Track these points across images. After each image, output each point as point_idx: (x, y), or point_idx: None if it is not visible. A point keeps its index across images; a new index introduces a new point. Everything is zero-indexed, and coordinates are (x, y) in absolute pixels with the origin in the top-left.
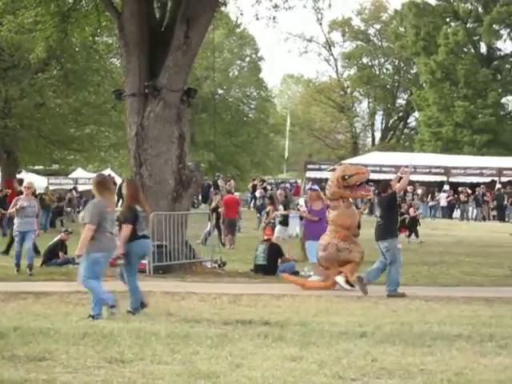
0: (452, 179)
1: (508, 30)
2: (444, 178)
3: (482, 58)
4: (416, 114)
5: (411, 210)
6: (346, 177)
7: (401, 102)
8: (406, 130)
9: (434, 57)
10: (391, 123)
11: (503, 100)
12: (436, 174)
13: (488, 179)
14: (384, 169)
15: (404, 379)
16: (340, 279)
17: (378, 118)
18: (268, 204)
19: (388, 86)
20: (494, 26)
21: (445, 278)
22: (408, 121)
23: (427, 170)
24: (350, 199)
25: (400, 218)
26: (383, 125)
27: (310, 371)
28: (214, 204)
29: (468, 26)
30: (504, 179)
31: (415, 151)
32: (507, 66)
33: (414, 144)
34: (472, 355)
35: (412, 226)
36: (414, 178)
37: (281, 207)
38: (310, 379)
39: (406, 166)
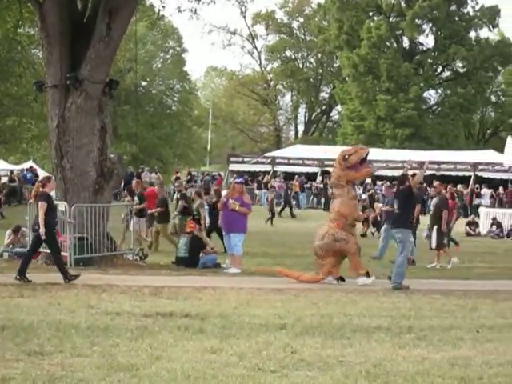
0: (376, 173)
1: (430, 24)
2: None
3: (405, 52)
4: (339, 107)
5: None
6: (346, 156)
7: (324, 95)
8: (328, 124)
9: (356, 51)
10: (314, 116)
11: (425, 94)
12: None
13: (410, 173)
14: (307, 162)
15: (323, 371)
16: (363, 280)
17: (301, 111)
18: (127, 195)
19: (311, 80)
20: (416, 20)
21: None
22: (331, 114)
23: None
24: (353, 191)
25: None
26: (306, 118)
27: (229, 363)
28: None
29: (391, 20)
30: (425, 173)
31: (338, 144)
32: (429, 60)
33: (336, 137)
34: (391, 347)
35: (376, 220)
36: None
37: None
38: (230, 371)
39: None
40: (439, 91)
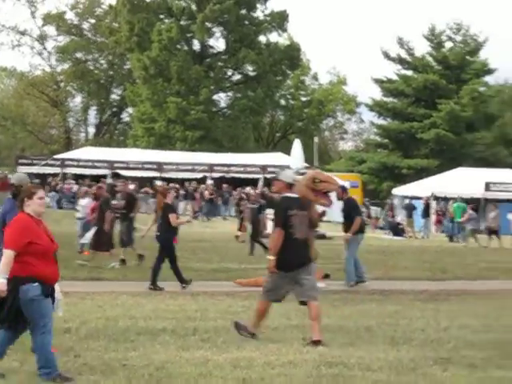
0: (164, 175)
1: (221, 28)
2: (157, 174)
3: (195, 55)
4: (130, 109)
5: None
6: (317, 180)
7: (115, 97)
8: (119, 126)
9: (147, 53)
10: (105, 118)
11: (215, 97)
12: (148, 169)
13: (200, 175)
14: (97, 164)
15: (105, 375)
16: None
17: (92, 113)
18: None
19: (102, 81)
20: (206, 23)
21: None
22: (122, 116)
23: (140, 166)
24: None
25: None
26: (97, 120)
27: (10, 370)
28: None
29: (181, 23)
30: (215, 175)
31: (128, 146)
32: (219, 63)
33: (127, 139)
34: (175, 349)
35: None
36: (127, 173)
37: None
38: (10, 378)
39: None
40: (229, 94)
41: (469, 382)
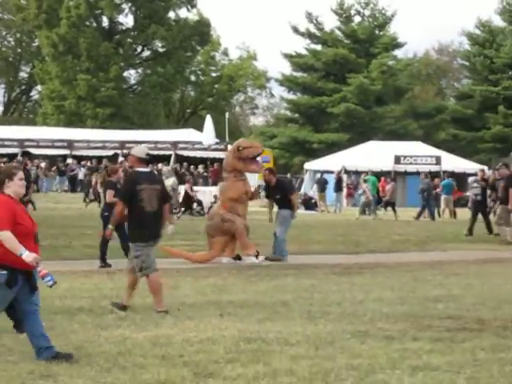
0: (75, 152)
1: (130, 4)
2: (67, 152)
3: (104, 31)
4: (39, 87)
5: (187, 186)
6: (240, 148)
7: (23, 75)
8: (29, 104)
9: (56, 30)
10: (14, 97)
11: (125, 74)
12: (59, 147)
13: (111, 152)
14: (7, 143)
15: (24, 356)
16: (249, 259)
17: (0, 91)
18: None
19: (10, 59)
20: (115, 0)
21: (67, 252)
22: (31, 94)
23: (50, 144)
24: (243, 175)
25: None
26: (5, 98)
27: None
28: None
29: None
30: (126, 152)
31: (38, 125)
32: (129, 39)
33: (37, 117)
34: (93, 328)
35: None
36: (37, 152)
37: None
38: None
39: None
40: (139, 71)
41: (386, 353)
